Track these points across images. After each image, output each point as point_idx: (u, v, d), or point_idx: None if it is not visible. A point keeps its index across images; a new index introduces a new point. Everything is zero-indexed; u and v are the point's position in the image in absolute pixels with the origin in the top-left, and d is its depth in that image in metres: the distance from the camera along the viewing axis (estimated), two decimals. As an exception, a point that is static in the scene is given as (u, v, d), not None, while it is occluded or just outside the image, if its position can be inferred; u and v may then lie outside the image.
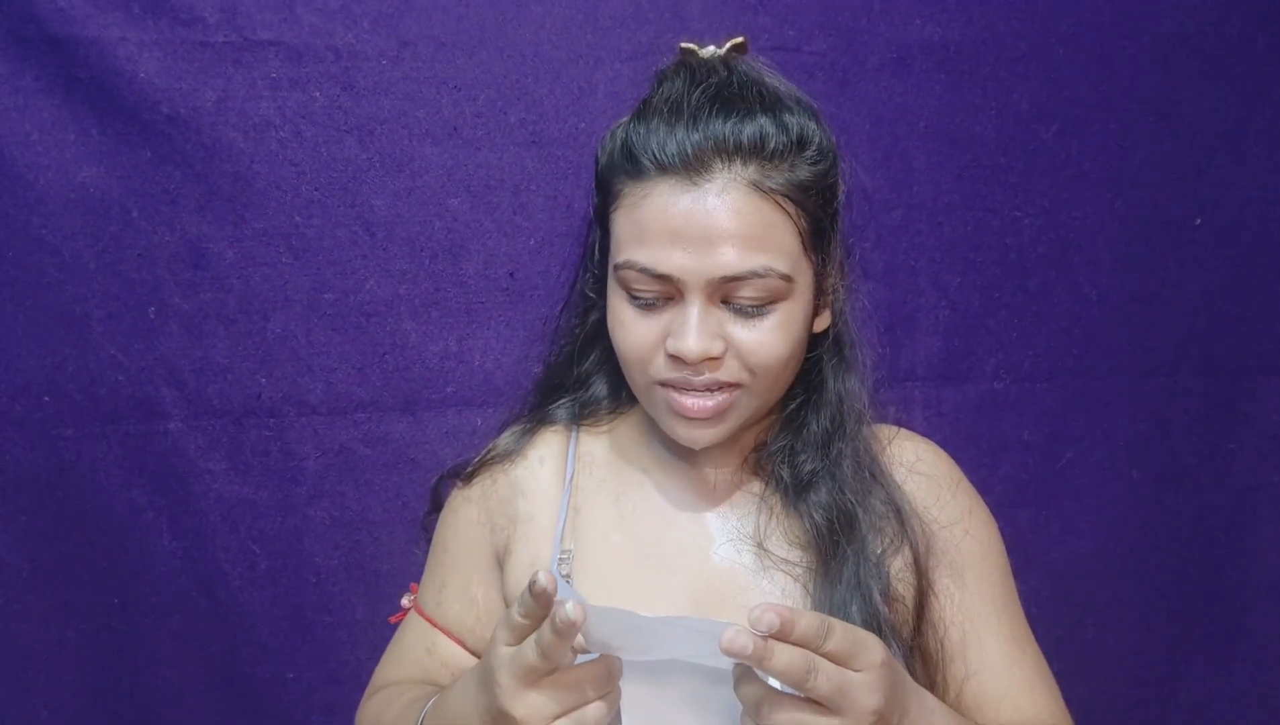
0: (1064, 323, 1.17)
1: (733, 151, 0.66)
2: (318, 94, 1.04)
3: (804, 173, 0.68)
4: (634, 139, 0.69)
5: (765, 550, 0.74)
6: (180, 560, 1.08)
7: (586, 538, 0.76)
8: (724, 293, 0.68)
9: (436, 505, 0.86)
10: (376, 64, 1.05)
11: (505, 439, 0.83)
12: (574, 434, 0.82)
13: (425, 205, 1.08)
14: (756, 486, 0.77)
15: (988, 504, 0.82)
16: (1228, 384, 1.19)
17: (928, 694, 0.64)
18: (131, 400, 1.05)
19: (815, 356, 0.76)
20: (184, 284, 1.05)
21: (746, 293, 0.68)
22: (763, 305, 0.69)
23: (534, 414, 0.84)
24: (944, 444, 0.86)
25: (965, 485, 0.80)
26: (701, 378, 0.69)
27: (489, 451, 0.83)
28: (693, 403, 0.70)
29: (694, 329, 0.67)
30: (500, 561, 0.80)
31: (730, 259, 0.66)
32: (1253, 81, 1.16)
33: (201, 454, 1.06)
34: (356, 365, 1.08)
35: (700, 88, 0.69)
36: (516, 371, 0.85)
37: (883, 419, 0.82)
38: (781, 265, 0.68)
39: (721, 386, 0.70)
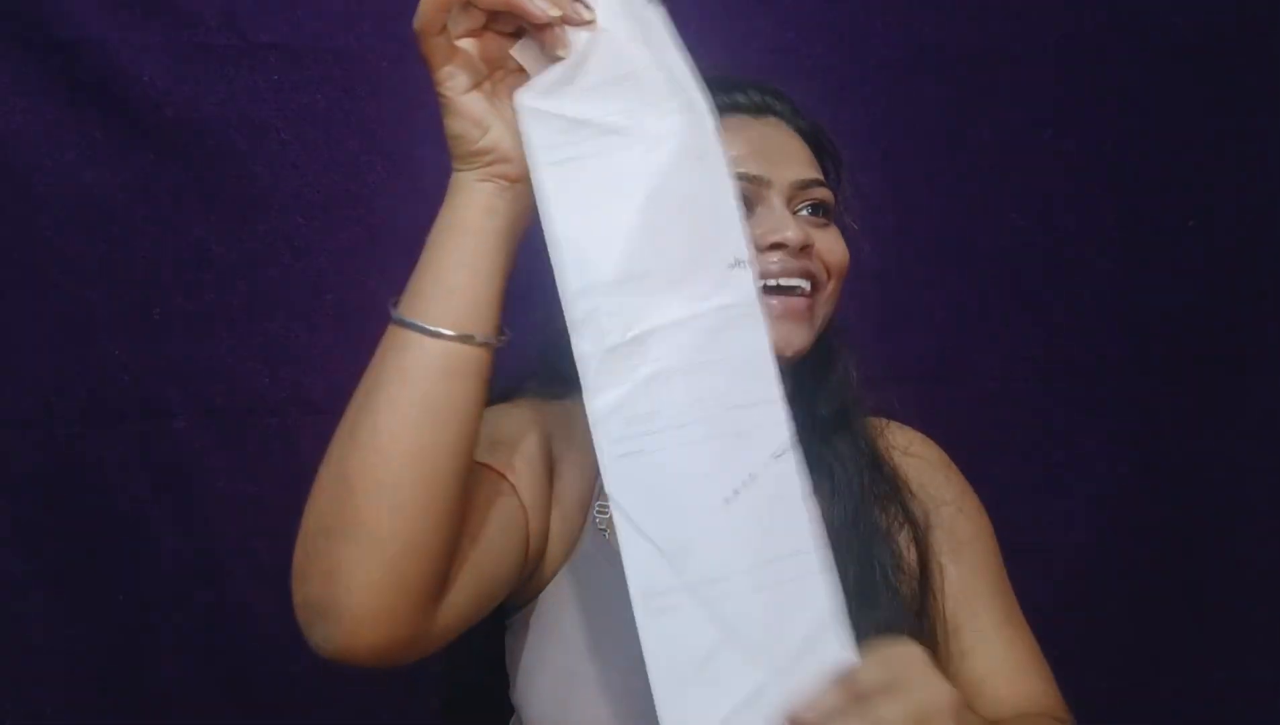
0: (1058, 322, 1.18)
1: (774, 101, 0.79)
2: (319, 96, 1.05)
3: (812, 127, 0.81)
4: None
5: None
6: (185, 558, 1.08)
7: None
8: (798, 201, 0.75)
9: None
10: (377, 66, 1.06)
11: (536, 384, 0.80)
12: None
13: (426, 206, 1.07)
14: None
15: (981, 499, 0.83)
16: (1219, 383, 1.20)
17: None
18: (136, 400, 1.06)
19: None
20: (187, 284, 1.05)
21: (817, 195, 0.76)
22: (827, 215, 0.77)
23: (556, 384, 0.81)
24: (938, 442, 0.87)
25: (956, 470, 0.83)
26: (798, 263, 0.73)
27: (525, 386, 0.80)
28: (785, 303, 0.72)
29: (791, 220, 0.73)
30: (551, 475, 0.73)
31: (804, 167, 0.76)
32: (1246, 85, 1.16)
33: (206, 452, 1.07)
34: (358, 364, 1.08)
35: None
36: (517, 372, 0.85)
37: (891, 412, 0.84)
38: (831, 183, 0.79)
39: (811, 278, 0.74)
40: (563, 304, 0.54)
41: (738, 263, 0.57)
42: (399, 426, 0.55)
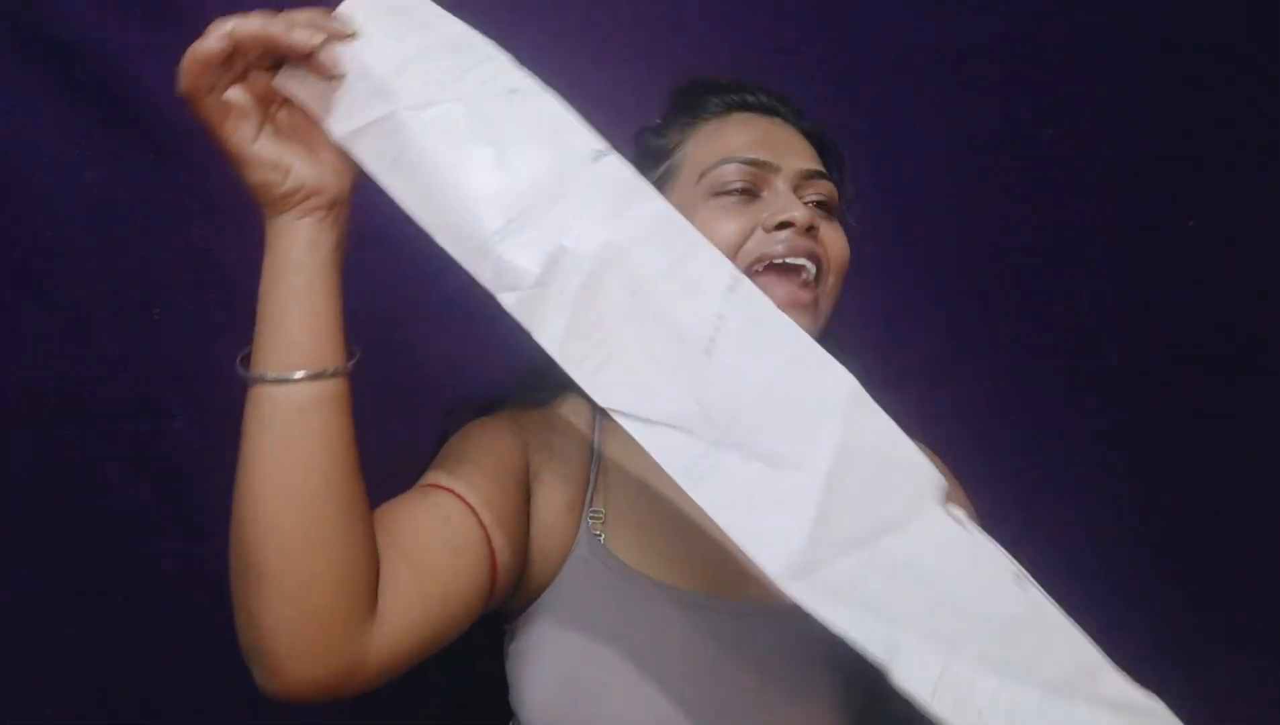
0: (1059, 322, 1.18)
1: (780, 105, 0.83)
2: (319, 96, 1.05)
3: (818, 131, 0.84)
4: (701, 93, 0.83)
5: None
6: (183, 559, 1.08)
7: (617, 501, 0.76)
8: (803, 190, 0.78)
9: (443, 442, 0.78)
10: (377, 66, 1.05)
11: (521, 390, 0.81)
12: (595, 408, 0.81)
13: (426, 206, 1.08)
14: None
15: (983, 503, 0.85)
16: (1219, 383, 1.20)
17: None
18: (135, 400, 1.06)
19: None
20: (188, 285, 1.05)
21: (821, 188, 0.79)
22: (830, 211, 0.79)
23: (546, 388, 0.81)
24: (938, 444, 0.87)
25: (955, 480, 0.85)
26: (803, 242, 0.74)
27: (510, 394, 0.81)
28: (791, 291, 0.74)
29: (798, 202, 0.76)
30: (529, 485, 0.73)
31: (810, 160, 0.79)
32: (1244, 85, 1.16)
33: (205, 453, 1.06)
34: (357, 364, 1.08)
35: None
36: (518, 372, 0.85)
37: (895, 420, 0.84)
38: (834, 181, 0.81)
39: (816, 261, 0.75)
40: (473, 276, 0.55)
41: (599, 154, 0.59)
42: (269, 474, 0.57)
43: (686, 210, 0.77)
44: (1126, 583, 1.21)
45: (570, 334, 0.56)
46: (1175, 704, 1.23)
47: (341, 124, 0.57)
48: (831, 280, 0.78)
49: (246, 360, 0.59)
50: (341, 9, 0.58)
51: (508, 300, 0.55)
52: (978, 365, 1.17)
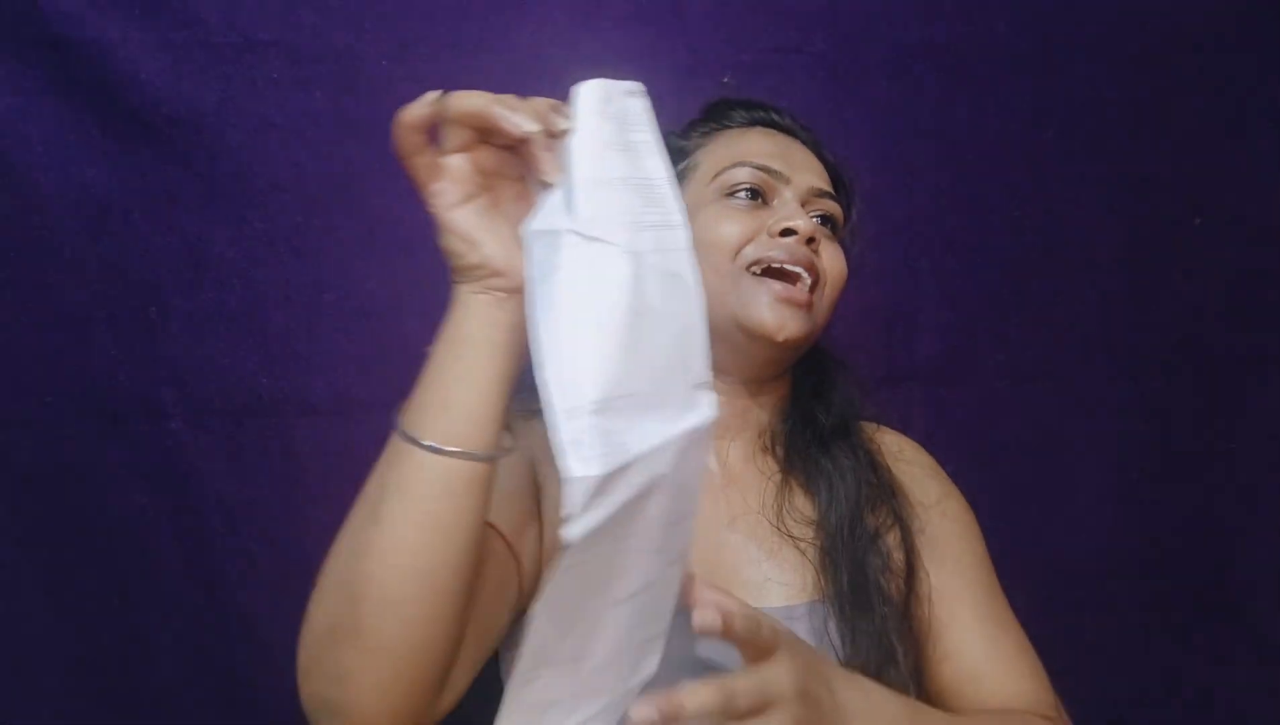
0: (1064, 322, 1.17)
1: (801, 130, 0.86)
2: (319, 95, 1.04)
3: (833, 159, 0.86)
4: (728, 107, 0.85)
5: (775, 526, 0.77)
6: (181, 560, 1.08)
7: None
8: (811, 206, 0.80)
9: None
10: (377, 65, 1.05)
11: (521, 399, 0.81)
12: None
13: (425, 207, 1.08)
14: (769, 467, 0.81)
15: (988, 504, 0.84)
16: (1226, 383, 1.19)
17: (874, 688, 0.63)
18: (133, 400, 1.05)
19: (817, 350, 0.84)
20: (185, 284, 1.05)
21: (828, 206, 0.81)
22: (834, 231, 0.82)
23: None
24: (944, 444, 0.88)
25: (942, 473, 0.86)
26: (804, 251, 0.76)
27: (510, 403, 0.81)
28: (787, 288, 0.76)
29: (803, 212, 0.78)
30: (538, 496, 0.74)
31: (821, 180, 0.82)
32: (1251, 81, 1.16)
33: (202, 454, 1.06)
34: (358, 365, 1.08)
35: None
36: (518, 380, 0.85)
37: (882, 418, 0.84)
38: (841, 206, 0.83)
39: (813, 273, 0.77)
40: (548, 420, 0.52)
41: (701, 386, 0.57)
42: (405, 544, 0.56)
43: (696, 209, 0.79)
44: (1137, 583, 1.20)
45: (589, 536, 0.52)
46: (1188, 706, 1.23)
47: (534, 219, 0.56)
48: (827, 294, 0.80)
49: (399, 410, 0.58)
50: (575, 92, 0.55)
51: (571, 471, 0.51)
52: (979, 365, 1.17)
